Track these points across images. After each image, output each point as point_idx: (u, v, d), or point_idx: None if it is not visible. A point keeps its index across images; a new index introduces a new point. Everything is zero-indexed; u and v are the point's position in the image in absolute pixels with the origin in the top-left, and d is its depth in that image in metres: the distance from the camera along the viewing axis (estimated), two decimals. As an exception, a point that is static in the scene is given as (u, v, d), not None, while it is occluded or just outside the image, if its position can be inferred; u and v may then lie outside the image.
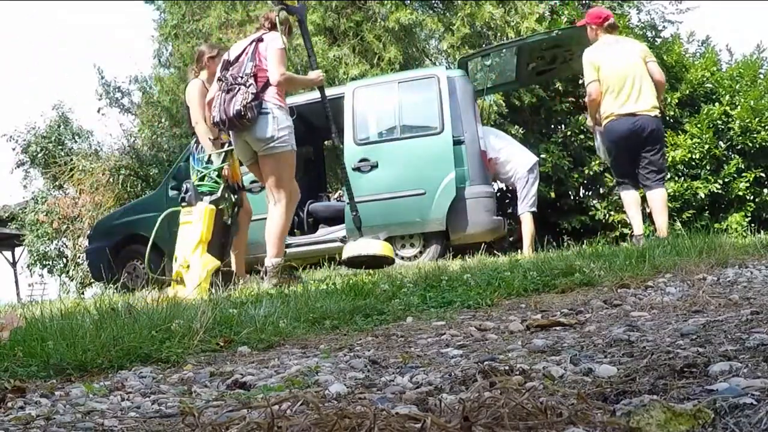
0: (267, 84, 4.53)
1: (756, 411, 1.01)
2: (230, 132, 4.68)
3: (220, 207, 4.78)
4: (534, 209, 6.72)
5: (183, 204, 4.82)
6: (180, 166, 7.17)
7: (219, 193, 4.79)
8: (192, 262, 4.56)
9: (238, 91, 4.45)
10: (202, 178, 4.87)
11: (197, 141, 5.10)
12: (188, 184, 4.83)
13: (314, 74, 4.94)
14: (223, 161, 4.90)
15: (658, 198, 5.35)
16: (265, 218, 5.36)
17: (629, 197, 5.47)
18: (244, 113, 4.39)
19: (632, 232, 5.61)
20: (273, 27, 4.71)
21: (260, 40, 4.63)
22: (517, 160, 6.75)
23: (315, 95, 7.43)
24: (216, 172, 4.85)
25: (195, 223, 4.69)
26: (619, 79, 5.29)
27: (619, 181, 5.58)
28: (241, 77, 4.48)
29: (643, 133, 5.28)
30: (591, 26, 5.55)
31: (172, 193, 7.28)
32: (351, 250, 4.78)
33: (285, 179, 4.59)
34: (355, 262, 4.85)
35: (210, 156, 4.95)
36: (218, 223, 4.74)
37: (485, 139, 6.50)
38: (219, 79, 4.62)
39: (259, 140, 4.51)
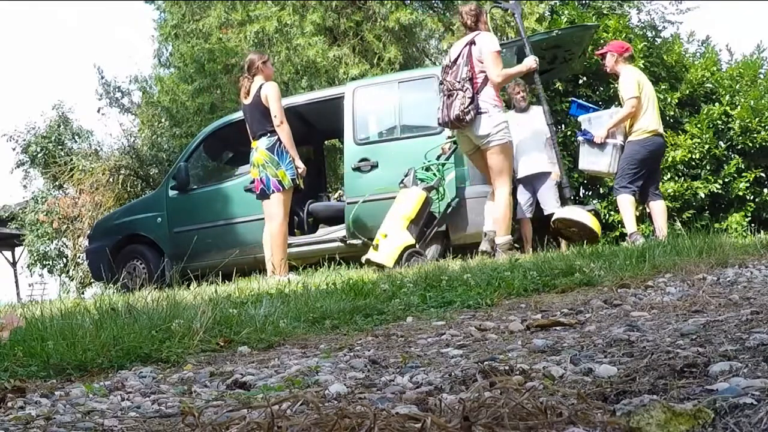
0: (483, 85, 5.04)
1: (756, 411, 1.01)
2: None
3: (430, 196, 5.48)
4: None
5: (401, 185, 5.51)
6: (180, 166, 7.16)
7: (433, 184, 5.52)
8: (391, 233, 5.22)
9: (456, 96, 4.99)
10: (426, 169, 5.61)
11: (279, 139, 5.56)
12: (411, 169, 5.55)
13: (529, 60, 5.41)
14: (447, 158, 5.72)
15: (663, 206, 6.07)
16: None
17: (630, 201, 5.88)
18: (462, 117, 4.96)
19: (630, 232, 5.83)
20: (475, 24, 5.20)
21: (472, 42, 5.09)
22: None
23: (315, 95, 7.47)
24: (439, 167, 5.60)
25: (406, 202, 5.37)
26: (655, 102, 5.98)
27: (627, 187, 5.87)
28: (458, 82, 5.01)
29: (664, 152, 6.23)
30: (612, 54, 6.04)
31: (172, 193, 7.28)
32: (564, 212, 5.30)
33: (505, 169, 5.17)
34: (563, 227, 5.37)
35: (440, 152, 5.79)
36: (425, 208, 5.42)
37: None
38: (440, 83, 5.22)
39: (478, 137, 5.09)
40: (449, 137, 5.92)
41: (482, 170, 5.53)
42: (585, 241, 4.99)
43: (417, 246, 5.27)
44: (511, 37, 9.00)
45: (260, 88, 5.65)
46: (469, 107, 4.95)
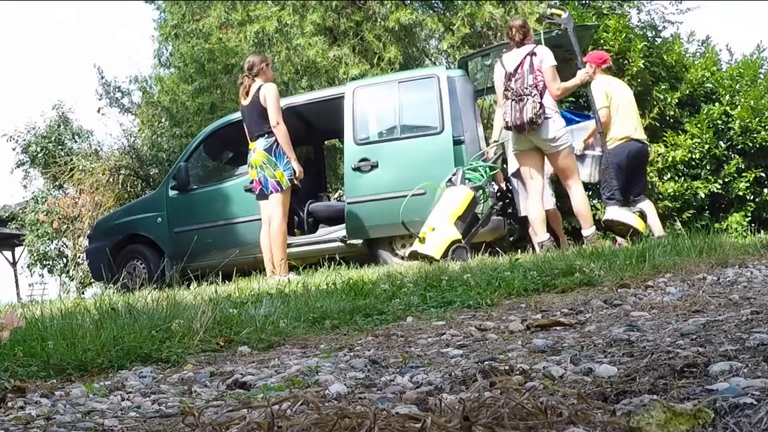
0: (544, 92, 5.38)
1: (756, 411, 1.01)
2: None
3: (477, 195, 5.61)
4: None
5: (448, 183, 5.68)
6: (180, 166, 7.16)
7: (480, 184, 5.67)
8: (439, 228, 5.33)
9: (527, 101, 5.28)
10: (474, 170, 5.75)
11: (276, 140, 5.59)
12: (459, 169, 5.72)
13: (582, 74, 5.70)
14: (495, 162, 5.92)
15: (650, 205, 6.21)
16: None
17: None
18: (535, 120, 5.25)
19: (617, 240, 6.12)
20: (522, 40, 5.50)
21: (533, 53, 5.44)
22: None
23: (315, 95, 7.47)
24: (486, 169, 5.77)
25: (453, 200, 5.51)
26: (628, 109, 6.14)
27: (611, 197, 5.96)
28: (526, 89, 5.33)
29: (645, 157, 6.38)
30: (591, 65, 6.14)
31: (172, 193, 7.28)
32: (612, 214, 5.68)
33: (573, 168, 5.55)
34: (611, 226, 5.80)
35: (486, 154, 6.03)
36: (472, 207, 5.58)
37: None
38: (505, 89, 5.46)
39: (544, 141, 5.37)
40: (494, 141, 6.06)
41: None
42: (631, 236, 5.60)
43: (463, 242, 5.33)
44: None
45: (259, 89, 5.65)
46: (540, 111, 5.24)
